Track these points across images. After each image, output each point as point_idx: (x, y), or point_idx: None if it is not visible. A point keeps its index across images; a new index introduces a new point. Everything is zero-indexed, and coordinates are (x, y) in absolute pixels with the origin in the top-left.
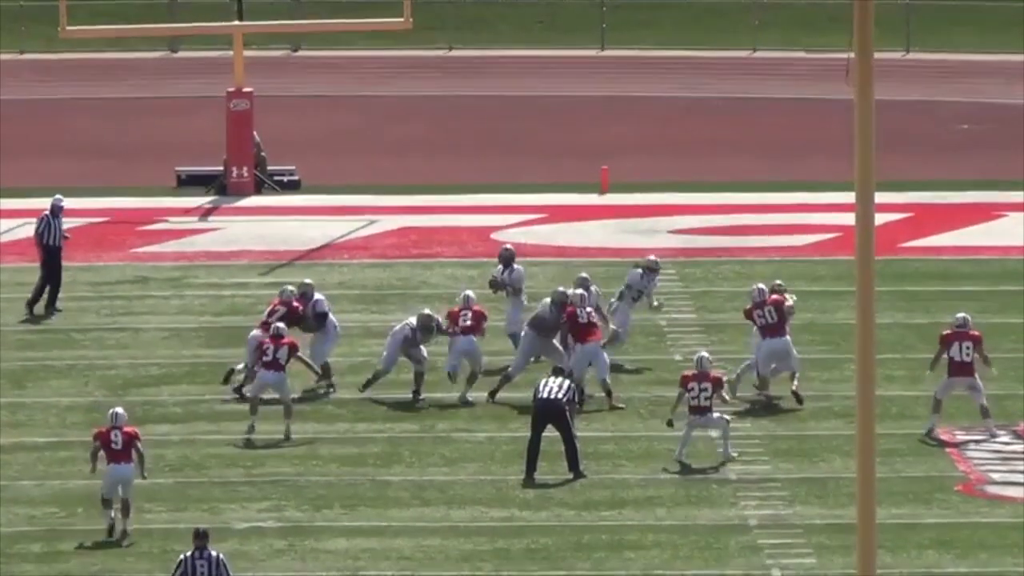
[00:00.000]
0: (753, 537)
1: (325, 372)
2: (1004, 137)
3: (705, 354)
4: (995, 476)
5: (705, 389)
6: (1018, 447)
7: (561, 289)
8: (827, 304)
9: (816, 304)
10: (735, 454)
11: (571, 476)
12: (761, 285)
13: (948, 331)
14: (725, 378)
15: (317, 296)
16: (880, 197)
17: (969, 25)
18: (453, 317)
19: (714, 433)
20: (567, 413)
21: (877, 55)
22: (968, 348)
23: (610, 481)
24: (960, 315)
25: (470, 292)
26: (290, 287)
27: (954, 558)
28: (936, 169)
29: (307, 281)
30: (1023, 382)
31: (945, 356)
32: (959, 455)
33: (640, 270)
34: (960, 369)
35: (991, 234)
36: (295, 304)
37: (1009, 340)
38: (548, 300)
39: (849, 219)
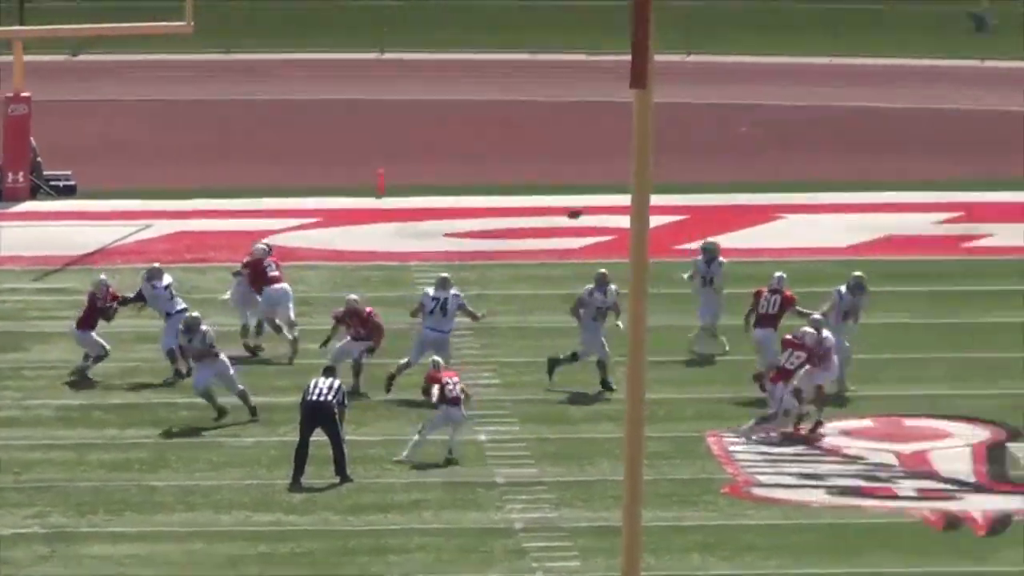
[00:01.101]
0: (518, 540)
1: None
2: (782, 139)
3: (436, 358)
4: (762, 478)
5: (456, 382)
6: (785, 449)
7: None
8: None
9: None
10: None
11: (338, 480)
12: (781, 274)
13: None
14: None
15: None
16: (656, 199)
17: (749, 28)
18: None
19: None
20: (336, 416)
21: (657, 57)
22: (797, 356)
23: (377, 485)
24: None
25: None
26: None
27: (719, 560)
28: (713, 171)
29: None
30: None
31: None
32: (726, 457)
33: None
34: (782, 375)
35: (769, 236)
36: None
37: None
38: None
39: (624, 221)
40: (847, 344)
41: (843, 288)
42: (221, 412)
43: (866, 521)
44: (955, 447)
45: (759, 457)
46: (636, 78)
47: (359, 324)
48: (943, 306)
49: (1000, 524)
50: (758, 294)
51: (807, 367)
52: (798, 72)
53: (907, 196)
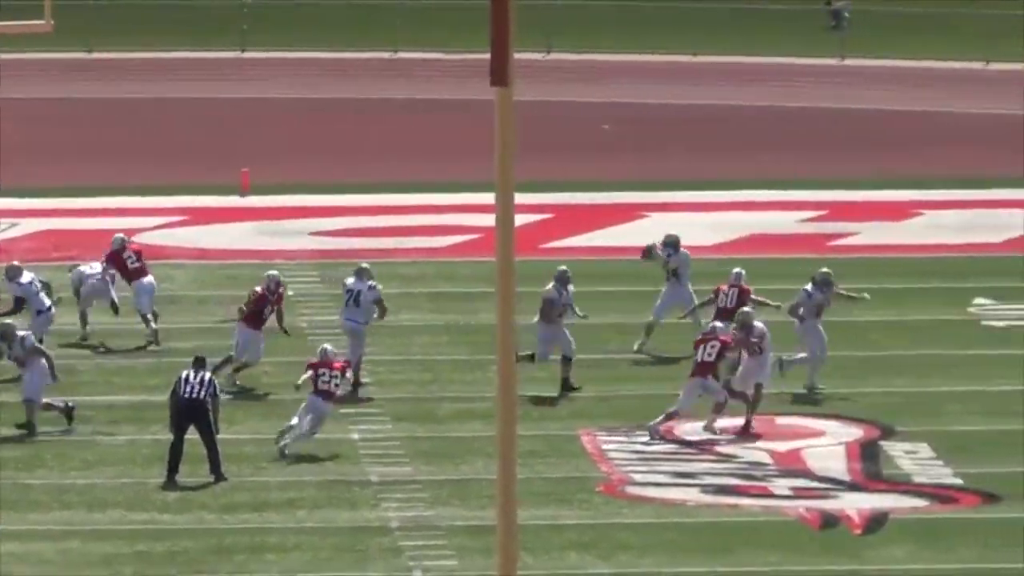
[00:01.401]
0: (394, 539)
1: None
2: (644, 137)
3: (329, 347)
4: (637, 477)
5: (335, 376)
6: (659, 448)
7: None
8: (467, 306)
9: (456, 306)
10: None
11: (212, 479)
12: (739, 270)
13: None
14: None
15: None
16: (521, 198)
17: (610, 26)
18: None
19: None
20: (210, 414)
21: (518, 55)
22: (710, 350)
23: (251, 484)
24: (716, 323)
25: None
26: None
27: (595, 559)
28: (577, 170)
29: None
30: (662, 382)
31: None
32: (600, 456)
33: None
34: (700, 369)
35: (634, 235)
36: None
37: (652, 340)
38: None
39: (489, 220)
40: (825, 339)
41: (809, 286)
42: (31, 429)
43: (741, 519)
44: (829, 445)
45: (633, 456)
46: (497, 76)
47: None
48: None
49: (876, 522)
50: (717, 291)
51: (746, 365)
52: (660, 70)
53: (770, 195)
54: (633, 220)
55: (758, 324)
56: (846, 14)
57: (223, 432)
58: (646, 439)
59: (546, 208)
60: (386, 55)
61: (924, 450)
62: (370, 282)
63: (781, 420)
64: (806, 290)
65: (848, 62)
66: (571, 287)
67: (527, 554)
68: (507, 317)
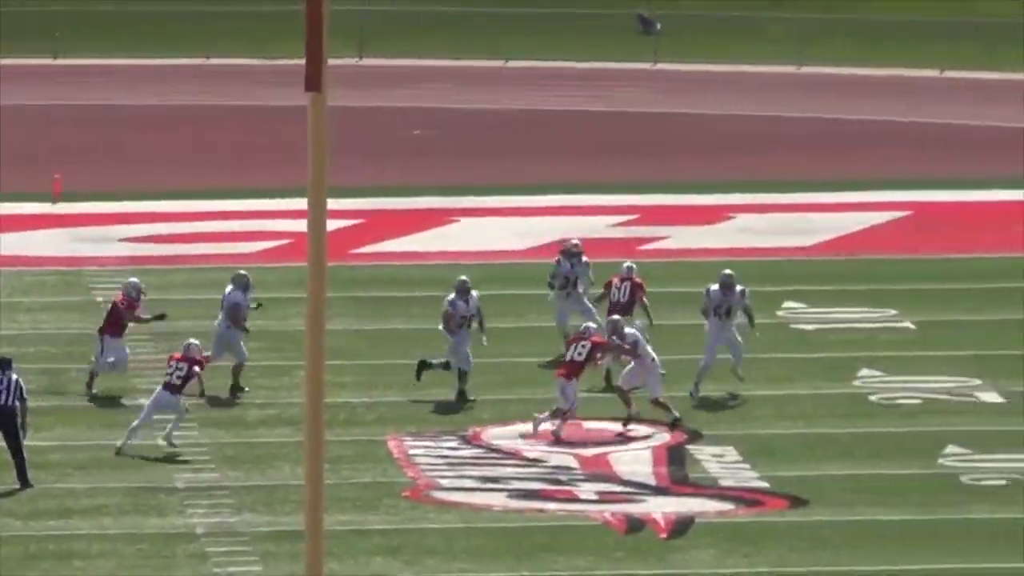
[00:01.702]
0: (201, 545)
1: None
2: (456, 143)
3: (194, 341)
4: (443, 482)
5: (181, 368)
6: (466, 452)
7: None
8: (278, 311)
9: (265, 311)
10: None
11: (19, 485)
12: (630, 263)
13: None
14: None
15: None
16: (332, 203)
17: (422, 32)
18: None
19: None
20: (18, 422)
21: (331, 61)
22: (580, 349)
23: (57, 490)
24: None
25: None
26: None
27: (402, 564)
28: (388, 175)
29: None
30: (482, 389)
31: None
32: (407, 461)
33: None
34: (567, 367)
35: (445, 240)
36: None
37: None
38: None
39: (301, 225)
40: (739, 340)
41: (713, 286)
42: None
43: (548, 524)
44: (635, 450)
45: (440, 461)
46: (311, 82)
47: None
48: None
49: (682, 526)
50: (608, 284)
51: (630, 369)
52: (471, 75)
53: (582, 199)
54: (444, 225)
55: (629, 330)
56: (658, 26)
57: (30, 439)
58: (453, 444)
59: (357, 213)
60: (199, 61)
61: (730, 453)
62: (251, 293)
63: (589, 425)
64: (708, 289)
65: (660, 67)
66: (474, 294)
67: (333, 560)
68: (317, 323)
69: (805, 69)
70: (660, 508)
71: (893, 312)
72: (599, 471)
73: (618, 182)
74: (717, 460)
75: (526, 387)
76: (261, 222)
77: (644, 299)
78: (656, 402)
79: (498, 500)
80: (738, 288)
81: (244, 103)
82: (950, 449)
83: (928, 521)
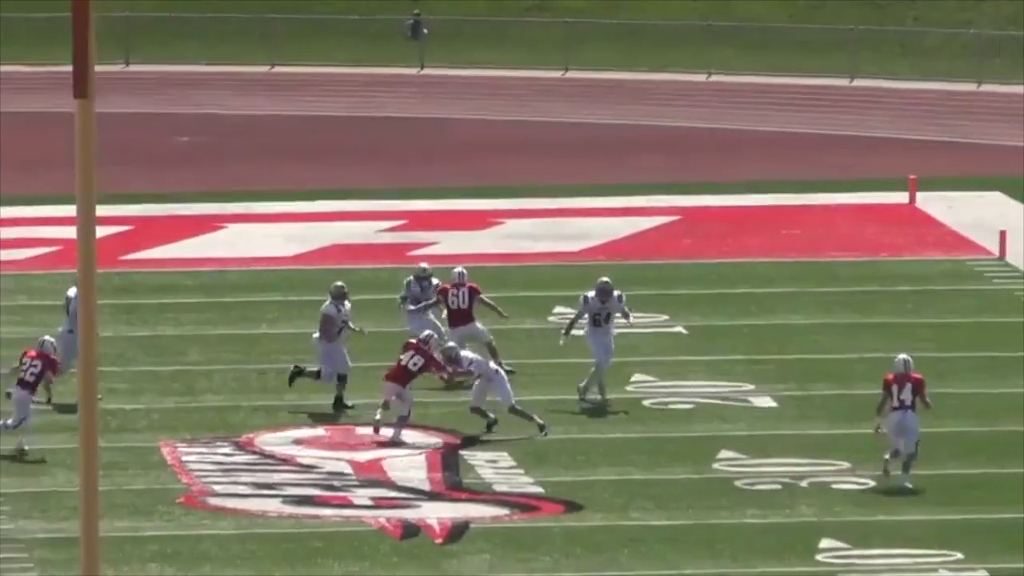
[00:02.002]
0: None
1: None
2: (223, 149)
3: (49, 339)
4: (218, 488)
5: (36, 366)
6: (240, 458)
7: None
8: (48, 318)
9: (37, 318)
10: None
11: None
12: (460, 269)
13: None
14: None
15: None
16: (101, 210)
17: (189, 37)
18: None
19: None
20: None
21: (99, 67)
22: (416, 360)
23: None
24: (426, 332)
25: None
26: None
27: (177, 570)
28: (157, 181)
29: None
30: (243, 393)
31: None
32: (181, 467)
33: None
34: (396, 373)
35: (212, 246)
36: None
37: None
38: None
39: (70, 232)
40: (612, 348)
41: (590, 293)
42: None
43: (323, 530)
44: (409, 455)
45: (214, 467)
46: (78, 88)
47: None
48: (389, 315)
49: (457, 531)
50: (443, 292)
51: (479, 387)
52: (239, 81)
53: (350, 205)
54: (213, 231)
55: (466, 355)
56: (425, 31)
57: None
58: (227, 450)
59: (126, 220)
60: None
61: (505, 459)
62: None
63: (361, 430)
64: (585, 296)
65: (427, 72)
66: (347, 303)
67: (109, 566)
68: (89, 329)
69: (571, 74)
70: (435, 513)
71: (664, 317)
72: (373, 477)
73: (387, 188)
74: (491, 466)
75: (298, 393)
76: (30, 229)
77: (485, 299)
78: (513, 410)
79: (273, 506)
80: (615, 293)
81: (13, 110)
82: (724, 454)
83: (702, 525)
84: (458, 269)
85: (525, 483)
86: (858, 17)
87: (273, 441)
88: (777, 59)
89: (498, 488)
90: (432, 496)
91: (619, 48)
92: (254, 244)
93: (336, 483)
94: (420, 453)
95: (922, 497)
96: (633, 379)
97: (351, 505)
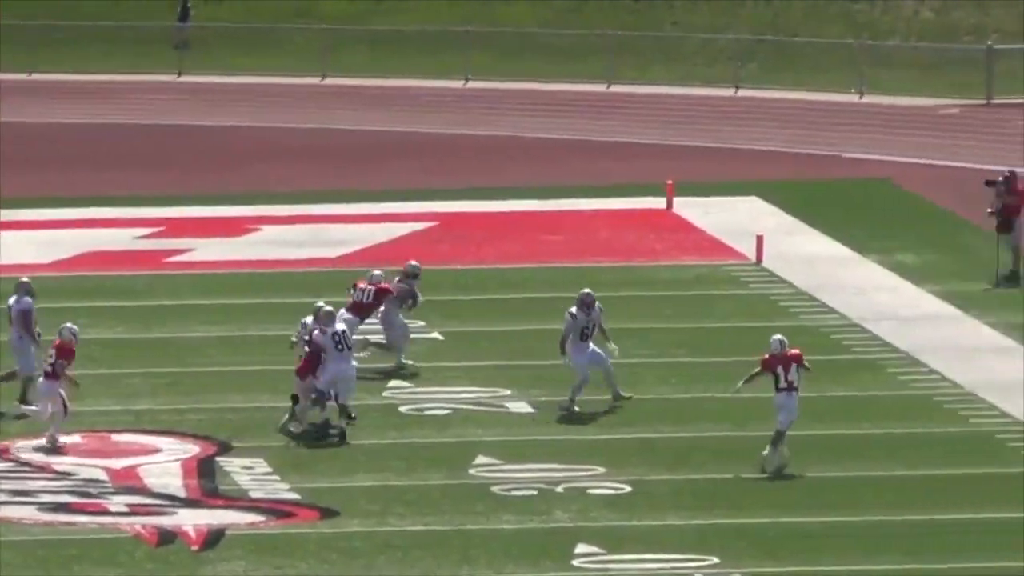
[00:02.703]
0: None
1: None
2: None
3: (70, 325)
4: None
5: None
6: None
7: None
8: None
9: None
10: None
11: None
12: (378, 272)
13: None
14: None
15: None
16: None
17: None
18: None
19: None
20: None
21: None
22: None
23: None
24: None
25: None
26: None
27: None
28: None
29: None
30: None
31: None
32: None
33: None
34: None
35: None
36: None
37: None
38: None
39: None
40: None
41: (573, 309)
42: None
43: (79, 537)
44: (165, 462)
45: None
46: None
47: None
48: (147, 321)
49: (213, 538)
50: (354, 286)
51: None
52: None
53: (106, 211)
54: None
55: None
56: (191, 14)
57: None
58: None
59: None
60: None
61: (261, 465)
62: (26, 298)
63: (118, 437)
64: (571, 313)
65: (185, 78)
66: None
67: None
68: None
69: (329, 80)
70: (191, 520)
71: (421, 323)
72: (129, 483)
73: (143, 194)
74: (247, 472)
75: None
76: None
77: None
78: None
79: (27, 513)
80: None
81: None
82: (480, 459)
83: (459, 531)
84: (375, 272)
85: (281, 489)
86: (616, 22)
87: (29, 448)
88: (536, 64)
89: (254, 494)
90: (188, 503)
91: (378, 54)
92: (9, 252)
93: (92, 490)
94: (175, 460)
95: (678, 502)
96: (390, 385)
97: (107, 512)
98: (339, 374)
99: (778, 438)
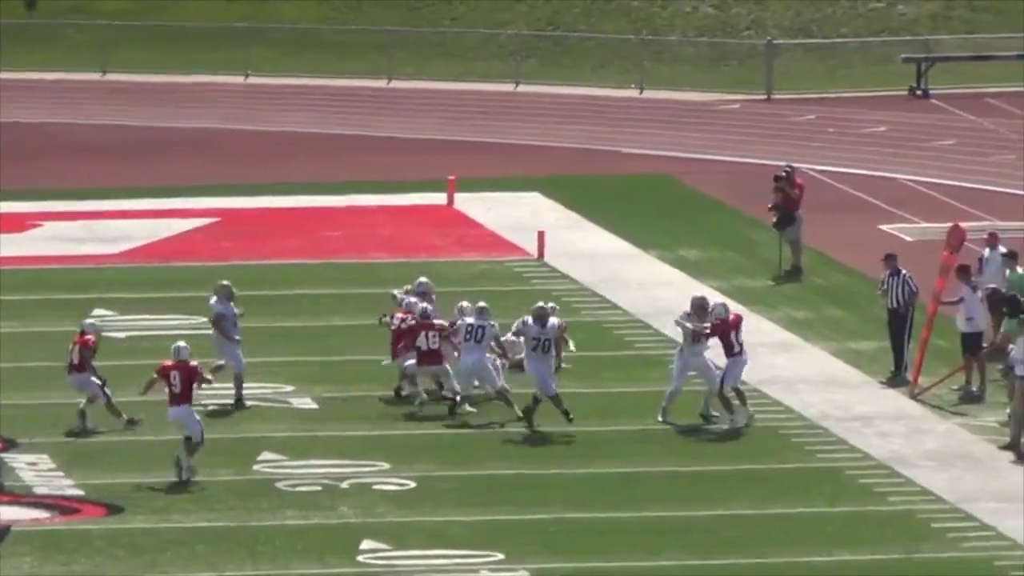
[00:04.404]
0: None
1: None
2: None
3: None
4: None
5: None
6: None
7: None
8: None
9: None
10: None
11: None
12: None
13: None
14: None
15: None
16: None
17: None
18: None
19: None
20: None
21: None
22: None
23: None
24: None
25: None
26: None
27: None
28: None
29: None
30: None
31: None
32: None
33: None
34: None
35: None
36: None
37: None
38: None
39: None
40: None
41: (528, 318)
42: None
43: None
44: None
45: None
46: None
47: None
48: None
49: None
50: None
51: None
52: None
53: None
54: None
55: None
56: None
57: None
58: None
59: None
60: None
61: (45, 461)
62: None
63: None
64: (524, 320)
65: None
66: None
67: None
68: None
69: (109, 76)
70: None
71: (203, 319)
72: None
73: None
74: (32, 468)
75: None
76: None
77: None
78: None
79: None
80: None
81: None
82: (265, 455)
83: (244, 527)
84: (222, 282)
85: (65, 485)
86: (395, 18)
87: None
88: (315, 60)
89: (39, 490)
90: None
91: (157, 50)
92: None
93: None
94: None
95: (464, 498)
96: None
97: None
98: (473, 364)
99: (740, 397)
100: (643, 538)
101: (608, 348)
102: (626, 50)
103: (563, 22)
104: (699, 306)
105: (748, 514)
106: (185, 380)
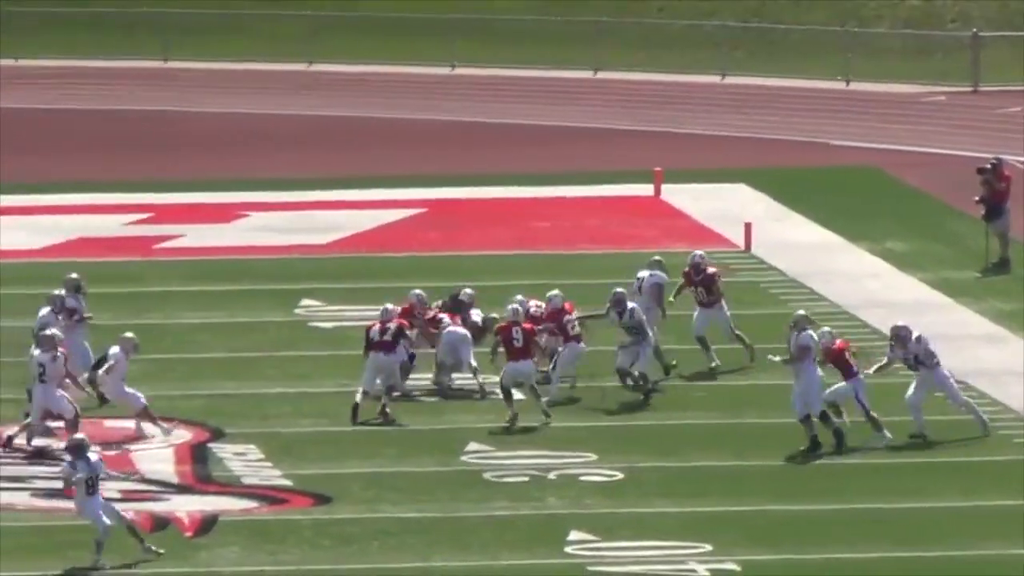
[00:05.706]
0: None
1: None
2: None
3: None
4: None
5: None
6: None
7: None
8: None
9: None
10: None
11: None
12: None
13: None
14: None
15: None
16: None
17: None
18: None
19: None
20: None
21: None
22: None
23: None
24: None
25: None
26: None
27: None
28: None
29: None
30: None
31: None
32: None
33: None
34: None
35: None
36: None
37: None
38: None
39: None
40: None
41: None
42: None
43: (72, 523)
44: (157, 448)
45: None
46: None
47: None
48: (137, 307)
49: (207, 524)
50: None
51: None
52: None
53: (94, 197)
54: None
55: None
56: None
57: None
58: None
59: None
60: None
61: (253, 452)
62: (660, 272)
63: (111, 423)
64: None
65: (171, 64)
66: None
67: None
68: None
69: (316, 66)
70: (184, 506)
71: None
72: (122, 469)
73: (131, 180)
74: (240, 458)
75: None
76: None
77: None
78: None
79: (21, 499)
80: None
81: None
82: (472, 446)
83: (451, 518)
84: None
85: (274, 476)
86: (602, 10)
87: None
88: (522, 52)
89: (247, 481)
90: (181, 489)
91: (364, 41)
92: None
93: None
94: (168, 446)
95: (671, 489)
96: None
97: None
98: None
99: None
100: (849, 530)
101: None
102: (832, 42)
103: (769, 13)
104: (899, 336)
105: (953, 506)
106: (528, 336)
